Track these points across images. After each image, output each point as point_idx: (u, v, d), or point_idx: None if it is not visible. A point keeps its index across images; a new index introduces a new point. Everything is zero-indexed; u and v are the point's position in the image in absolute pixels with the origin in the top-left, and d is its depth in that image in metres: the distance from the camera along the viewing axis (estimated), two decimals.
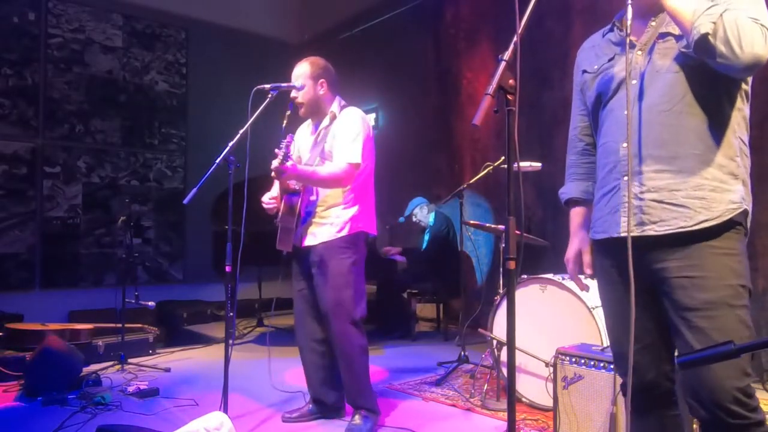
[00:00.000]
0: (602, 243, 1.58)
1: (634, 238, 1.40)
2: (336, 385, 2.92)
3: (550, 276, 3.03)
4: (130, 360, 4.04)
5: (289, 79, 2.88)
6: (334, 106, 2.89)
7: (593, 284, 1.98)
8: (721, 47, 1.29)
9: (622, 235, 1.45)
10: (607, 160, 1.54)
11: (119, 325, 4.08)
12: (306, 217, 2.85)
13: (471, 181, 3.90)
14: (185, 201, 2.70)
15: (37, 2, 5.73)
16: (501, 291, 3.43)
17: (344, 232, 2.78)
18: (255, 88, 2.71)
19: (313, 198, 2.84)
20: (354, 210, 2.82)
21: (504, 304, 3.15)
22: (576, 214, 1.79)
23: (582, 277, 1.78)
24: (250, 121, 2.70)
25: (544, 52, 4.83)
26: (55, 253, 5.78)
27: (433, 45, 6.06)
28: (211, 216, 5.22)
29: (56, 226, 5.80)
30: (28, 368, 3.37)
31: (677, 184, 1.42)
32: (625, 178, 1.47)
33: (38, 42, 5.73)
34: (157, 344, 4.53)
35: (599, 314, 2.77)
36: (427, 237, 5.29)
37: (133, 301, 4.02)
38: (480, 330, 3.36)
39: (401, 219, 5.35)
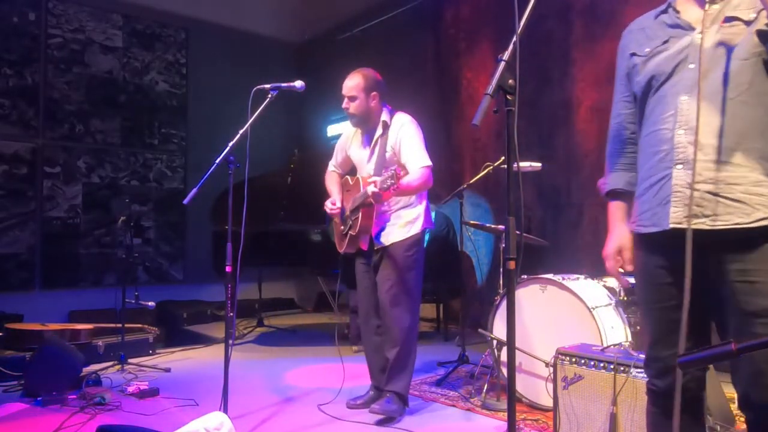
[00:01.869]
0: (649, 237, 1.49)
1: (684, 232, 1.33)
2: None
3: (550, 276, 3.03)
4: (130, 360, 4.03)
5: (288, 79, 2.88)
6: (384, 115, 3.02)
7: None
8: None
9: (671, 227, 1.39)
10: (659, 149, 1.44)
11: (119, 325, 4.08)
12: (380, 222, 3.00)
13: (471, 181, 3.90)
14: (185, 201, 2.70)
15: (37, 2, 5.72)
16: (501, 291, 3.43)
17: (412, 232, 3.00)
18: (255, 88, 2.71)
19: (384, 205, 2.99)
20: (420, 207, 3.04)
21: (504, 304, 3.14)
22: (617, 208, 1.67)
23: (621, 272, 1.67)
24: (250, 121, 2.70)
25: (544, 52, 4.83)
26: (55, 253, 5.78)
27: (433, 45, 6.06)
28: (211, 216, 5.22)
29: (56, 226, 5.80)
30: (28, 368, 3.37)
31: (737, 177, 1.34)
32: (678, 166, 1.39)
33: (38, 42, 5.73)
34: (157, 344, 4.53)
35: (599, 314, 2.77)
36: (427, 237, 5.28)
37: (133, 301, 4.02)
38: (480, 330, 3.36)
39: None
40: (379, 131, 3.01)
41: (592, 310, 2.78)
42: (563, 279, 2.98)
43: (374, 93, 2.99)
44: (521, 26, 1.36)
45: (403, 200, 3.00)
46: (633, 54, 1.58)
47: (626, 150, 1.66)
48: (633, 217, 1.57)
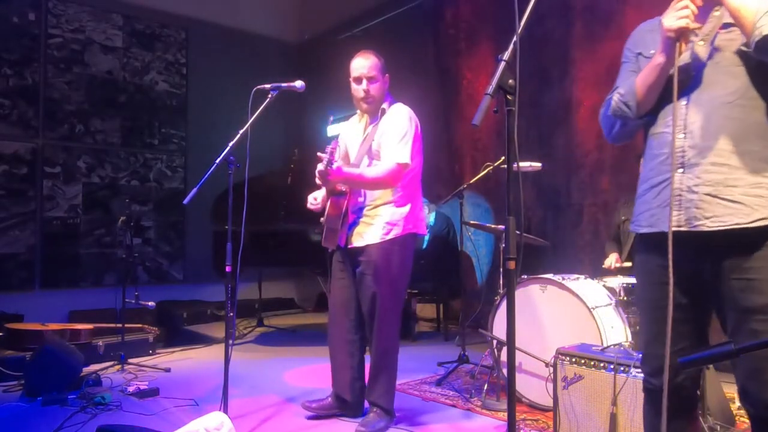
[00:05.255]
0: (648, 237, 1.53)
1: (685, 234, 1.39)
2: (359, 386, 2.94)
3: (550, 276, 3.03)
4: (130, 360, 4.03)
5: (288, 79, 2.88)
6: (385, 104, 2.89)
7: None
8: None
9: (674, 230, 1.41)
10: (661, 151, 1.49)
11: (119, 325, 4.08)
12: (354, 217, 2.83)
13: (471, 181, 3.90)
14: (185, 201, 2.70)
15: (37, 2, 5.72)
16: (501, 291, 3.43)
17: (392, 235, 2.75)
18: (255, 88, 2.71)
19: (360, 199, 2.83)
20: (406, 209, 2.80)
21: (504, 304, 3.14)
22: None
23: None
24: (250, 121, 2.70)
25: (544, 52, 4.83)
26: (55, 253, 5.78)
27: (433, 45, 6.06)
28: (211, 216, 5.22)
29: (56, 226, 5.80)
30: (28, 368, 3.37)
31: (735, 179, 1.38)
32: (679, 170, 1.42)
33: (38, 42, 5.73)
34: (157, 344, 4.53)
35: (599, 314, 2.77)
36: (427, 237, 5.28)
37: (133, 301, 4.02)
38: (480, 330, 3.36)
39: None
40: (377, 119, 2.87)
41: (592, 310, 2.78)
42: (563, 279, 2.98)
43: (387, 75, 2.89)
44: (521, 26, 1.36)
45: (381, 199, 2.78)
46: (640, 54, 1.62)
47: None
48: (633, 216, 1.62)
